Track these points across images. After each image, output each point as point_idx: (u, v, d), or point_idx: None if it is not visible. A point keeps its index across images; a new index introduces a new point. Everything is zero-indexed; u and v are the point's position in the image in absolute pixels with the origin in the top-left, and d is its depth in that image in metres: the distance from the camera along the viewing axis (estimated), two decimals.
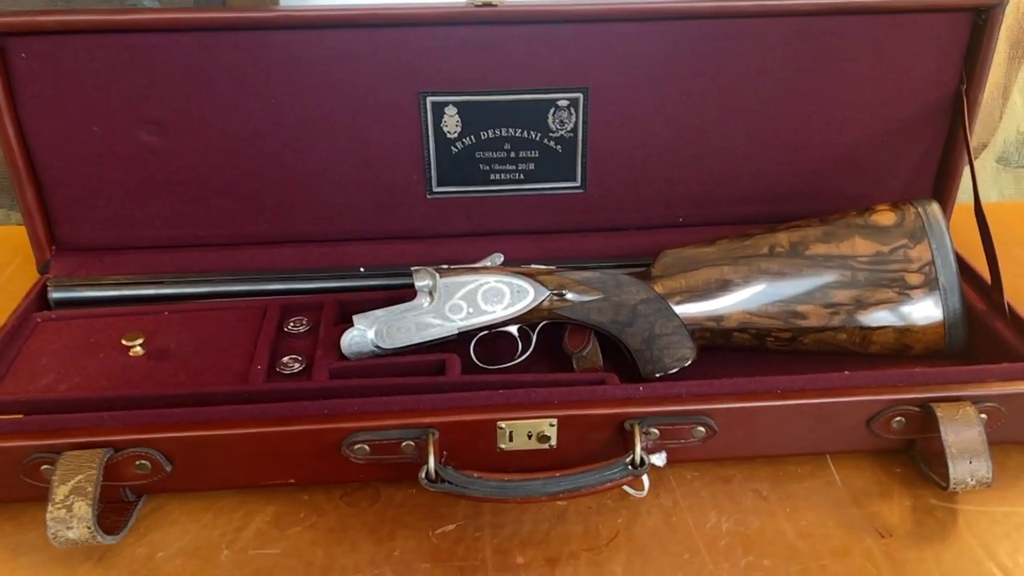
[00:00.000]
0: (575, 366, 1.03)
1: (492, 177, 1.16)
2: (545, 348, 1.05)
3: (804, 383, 0.94)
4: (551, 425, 0.91)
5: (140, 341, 0.99)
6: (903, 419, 0.94)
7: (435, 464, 0.87)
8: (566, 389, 0.93)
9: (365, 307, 1.09)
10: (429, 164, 1.14)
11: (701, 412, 0.92)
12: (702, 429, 0.92)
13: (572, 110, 1.12)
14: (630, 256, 1.19)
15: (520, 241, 1.19)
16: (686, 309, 1.03)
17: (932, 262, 1.05)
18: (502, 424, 0.91)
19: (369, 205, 1.16)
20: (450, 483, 0.87)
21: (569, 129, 1.13)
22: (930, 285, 1.04)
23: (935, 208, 1.07)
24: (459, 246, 1.19)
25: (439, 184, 1.16)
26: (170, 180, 1.12)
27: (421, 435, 0.89)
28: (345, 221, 1.17)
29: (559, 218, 1.20)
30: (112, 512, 0.90)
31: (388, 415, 0.90)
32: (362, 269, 1.14)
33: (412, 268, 1.01)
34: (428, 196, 1.16)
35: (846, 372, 0.95)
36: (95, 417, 0.89)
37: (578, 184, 1.17)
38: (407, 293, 1.09)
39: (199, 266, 1.14)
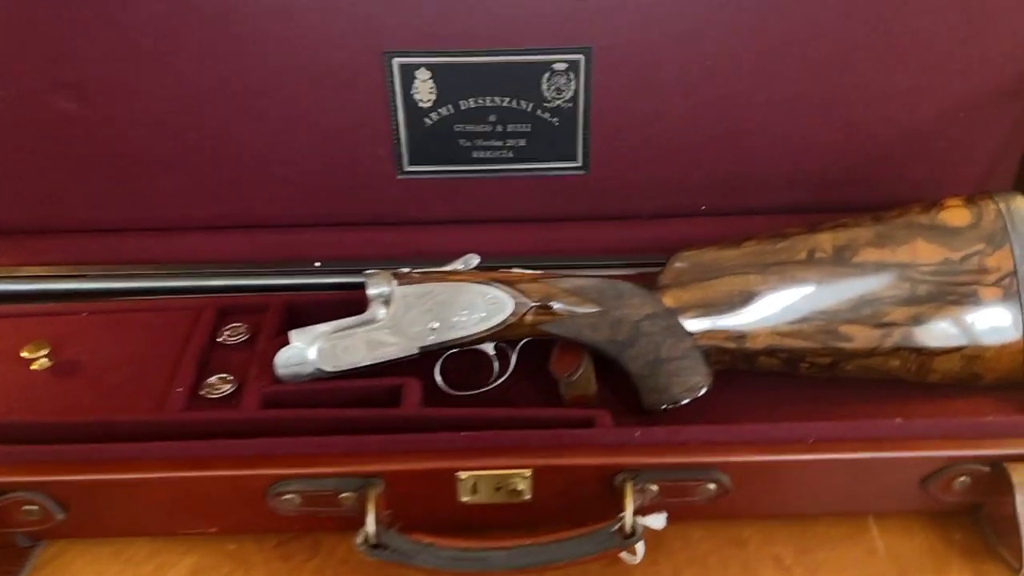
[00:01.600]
0: (562, 394, 0.85)
1: (475, 155, 0.97)
2: (532, 367, 0.87)
3: (844, 432, 0.75)
4: (524, 478, 0.74)
5: (45, 352, 0.84)
6: (968, 479, 0.75)
7: (375, 526, 0.71)
8: (545, 433, 0.75)
9: (316, 311, 0.92)
10: (399, 138, 0.95)
11: (712, 465, 0.74)
12: (712, 486, 0.74)
13: (571, 75, 0.92)
14: (642, 252, 1.00)
15: (509, 231, 1.01)
16: (701, 327, 0.84)
17: (1014, 273, 0.84)
18: (463, 475, 0.74)
19: (328, 186, 0.98)
20: (393, 551, 0.70)
21: (567, 98, 0.93)
22: (1009, 301, 0.84)
23: (1021, 203, 0.85)
24: (436, 236, 1.00)
25: (411, 162, 0.97)
26: (95, 154, 0.95)
27: (362, 485, 0.73)
28: (300, 204, 0.99)
29: (556, 205, 1.01)
30: (3, 559, 0.76)
31: (323, 460, 0.74)
32: (317, 264, 0.97)
33: (365, 272, 0.83)
34: (398, 176, 0.98)
35: (898, 420, 0.76)
36: None
37: (579, 164, 0.98)
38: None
39: (131, 255, 0.98)
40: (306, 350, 0.81)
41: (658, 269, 0.97)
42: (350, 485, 0.73)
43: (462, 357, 0.85)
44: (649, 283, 0.86)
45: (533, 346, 0.86)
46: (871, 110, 0.94)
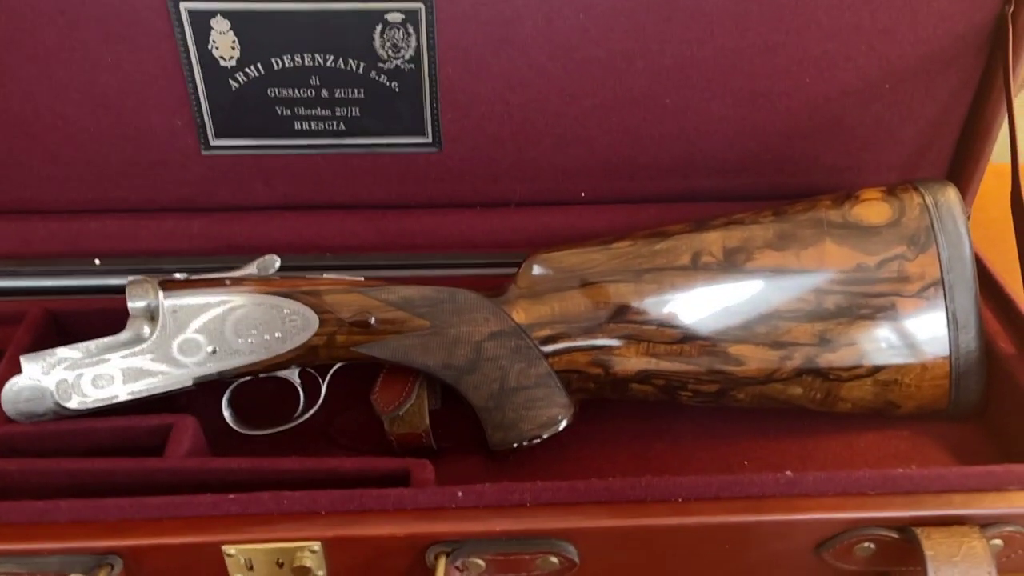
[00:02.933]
0: (388, 431, 0.68)
1: (297, 127, 0.78)
2: (358, 392, 0.70)
3: (721, 489, 0.59)
4: (312, 552, 0.57)
5: None
6: (872, 545, 0.60)
7: None
8: (337, 493, 0.58)
9: (92, 322, 0.74)
10: (199, 105, 0.76)
11: (555, 533, 0.58)
12: (555, 560, 0.58)
13: (409, 28, 0.73)
14: (507, 247, 0.83)
15: (348, 220, 0.82)
16: (559, 347, 0.67)
17: (940, 281, 0.69)
18: (231, 549, 0.57)
19: (117, 163, 0.79)
20: None
21: (407, 58, 0.75)
22: (933, 315, 0.69)
23: (951, 196, 0.70)
24: (256, 224, 0.82)
25: (218, 134, 0.78)
26: None
27: (94, 566, 0.55)
28: (85, 186, 0.80)
29: (402, 189, 0.82)
30: None
31: (43, 532, 0.56)
32: (97, 261, 0.78)
33: (128, 280, 0.65)
34: (204, 152, 0.79)
35: (788, 473, 0.60)
36: None
37: (428, 140, 0.80)
38: None
39: None
40: (42, 381, 0.62)
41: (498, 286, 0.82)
42: (78, 566, 0.56)
43: (264, 383, 0.68)
44: (497, 292, 0.69)
45: (358, 370, 0.69)
46: (779, 79, 0.77)
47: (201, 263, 0.80)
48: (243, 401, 0.68)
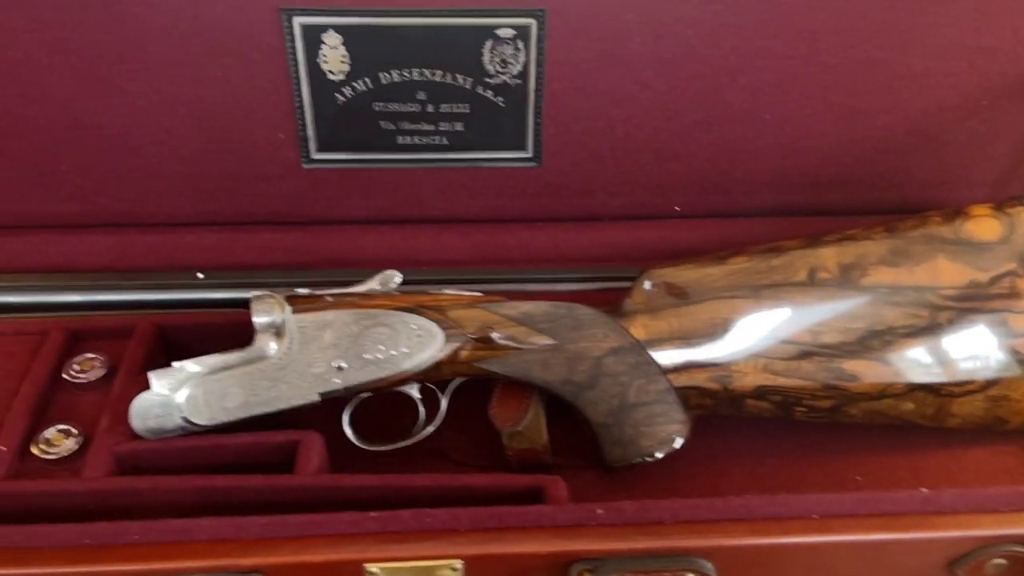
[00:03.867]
0: (506, 446, 0.68)
1: (400, 141, 0.78)
2: (468, 410, 0.70)
3: (856, 506, 0.60)
4: (453, 569, 0.57)
5: None
6: (1004, 562, 0.60)
7: None
8: (480, 511, 0.58)
9: (197, 336, 0.74)
10: (304, 119, 0.76)
11: (693, 551, 0.58)
12: None
13: (520, 44, 0.74)
14: (603, 260, 0.83)
15: (441, 236, 0.82)
16: (678, 363, 0.67)
17: None
18: (373, 568, 0.56)
19: (214, 177, 0.79)
20: None
21: (515, 73, 0.75)
22: None
23: None
24: (349, 240, 0.82)
25: (320, 148, 0.78)
26: None
27: None
28: (183, 199, 0.80)
29: (500, 203, 0.82)
30: None
31: (185, 550, 0.56)
32: (200, 275, 0.78)
33: (252, 295, 0.64)
34: (305, 165, 0.79)
35: (923, 489, 0.60)
36: None
37: (529, 155, 0.80)
38: None
39: None
40: (172, 397, 0.62)
41: (625, 285, 0.82)
42: None
43: (380, 399, 0.68)
44: (613, 308, 0.69)
45: (469, 385, 0.69)
46: (879, 96, 0.78)
47: (298, 277, 0.80)
48: (362, 417, 0.68)
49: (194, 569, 0.55)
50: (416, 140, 0.78)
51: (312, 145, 0.78)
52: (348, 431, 0.66)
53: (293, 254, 0.81)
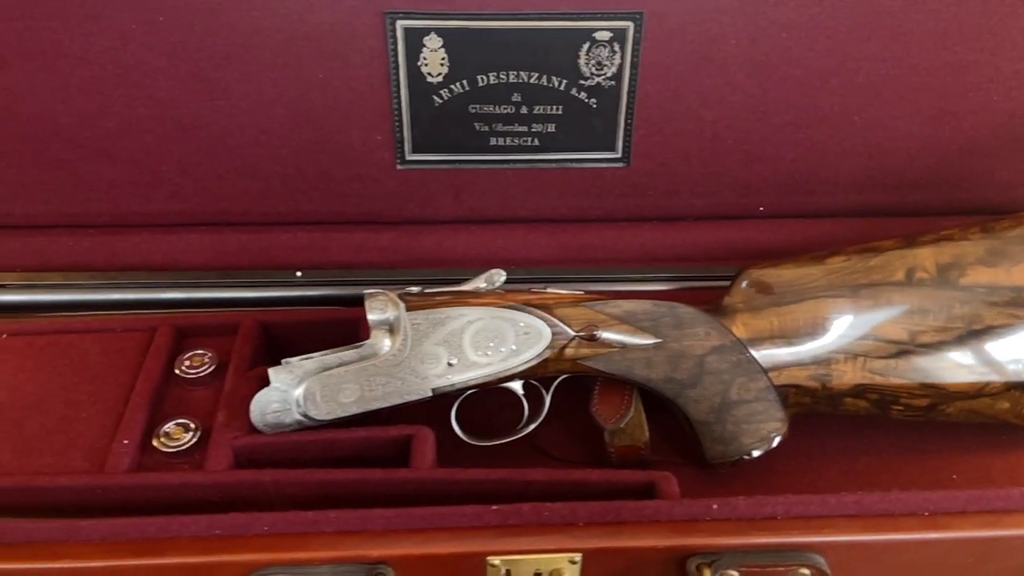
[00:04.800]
0: (608, 443, 0.69)
1: (493, 142, 0.79)
2: (563, 406, 0.71)
3: (968, 503, 0.60)
4: (573, 563, 0.58)
5: None
6: None
7: None
8: (597, 505, 0.59)
9: (298, 332, 0.76)
10: (400, 121, 0.77)
11: (807, 547, 0.59)
12: (807, 572, 0.59)
13: (616, 46, 0.75)
14: (688, 260, 0.84)
15: (530, 235, 0.84)
16: (778, 362, 0.68)
17: None
18: (495, 560, 0.58)
19: (312, 178, 0.80)
20: None
21: (610, 75, 0.76)
22: None
23: None
24: (441, 240, 0.83)
25: (415, 150, 0.79)
26: (16, 134, 0.76)
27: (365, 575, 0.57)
28: (279, 199, 0.81)
29: (588, 203, 0.84)
30: None
31: (314, 542, 0.57)
32: (299, 274, 0.79)
33: (365, 293, 0.66)
34: (399, 166, 0.80)
35: None
36: None
37: (618, 155, 0.81)
38: (362, 313, 0.75)
39: (62, 259, 0.79)
40: (290, 392, 0.63)
41: (709, 285, 0.83)
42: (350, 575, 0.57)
43: (482, 395, 0.69)
44: (713, 307, 0.70)
45: (563, 382, 0.70)
46: (968, 97, 0.79)
47: (392, 276, 0.82)
48: (463, 412, 0.69)
49: (322, 560, 0.57)
50: (508, 141, 0.79)
51: (407, 146, 0.79)
52: (455, 427, 0.68)
53: (386, 254, 0.83)
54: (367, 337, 0.71)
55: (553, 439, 0.73)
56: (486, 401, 0.69)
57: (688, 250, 0.85)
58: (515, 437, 0.69)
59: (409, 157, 0.80)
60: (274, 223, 0.82)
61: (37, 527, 0.57)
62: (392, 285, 0.73)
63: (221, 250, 0.81)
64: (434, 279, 0.80)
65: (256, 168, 0.79)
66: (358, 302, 0.78)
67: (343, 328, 0.75)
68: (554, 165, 0.81)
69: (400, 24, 0.72)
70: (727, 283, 0.80)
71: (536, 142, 0.80)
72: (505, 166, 0.81)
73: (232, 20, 0.71)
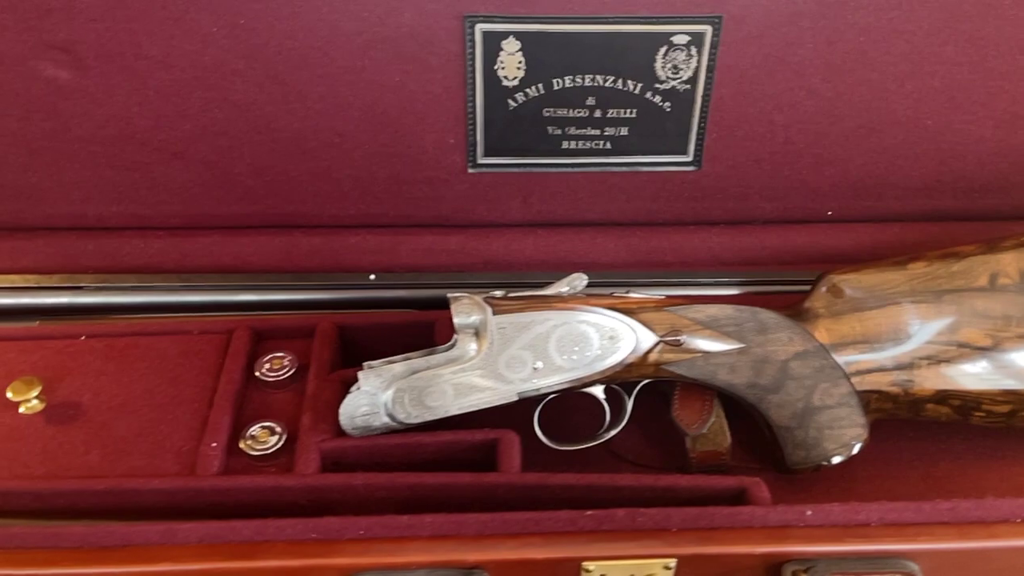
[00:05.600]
0: (689, 449, 0.69)
1: (565, 146, 0.79)
2: (637, 411, 0.71)
3: None
4: (667, 568, 0.58)
5: (36, 393, 0.65)
6: None
7: None
8: (691, 511, 0.59)
9: (373, 335, 0.75)
10: (475, 124, 0.77)
11: (900, 554, 0.59)
12: None
13: (693, 50, 0.74)
14: (755, 264, 0.84)
15: (600, 238, 0.84)
16: (860, 367, 0.68)
17: None
18: (590, 565, 0.58)
19: (383, 179, 0.80)
20: None
21: (686, 78, 0.76)
22: None
23: None
24: (510, 241, 0.83)
25: (487, 153, 0.79)
26: (93, 135, 0.76)
27: None
28: (349, 202, 0.81)
29: (657, 206, 0.83)
30: None
31: (410, 546, 0.57)
32: (372, 276, 0.79)
33: (450, 296, 0.66)
34: (470, 170, 0.80)
35: None
36: None
37: (689, 159, 0.81)
38: (438, 316, 0.75)
39: (135, 261, 0.79)
40: (379, 395, 0.63)
41: (777, 287, 0.83)
42: None
43: (556, 400, 0.69)
44: (794, 312, 0.70)
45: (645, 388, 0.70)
46: None
47: (462, 279, 0.82)
48: (545, 417, 0.69)
49: (419, 564, 0.57)
50: (580, 145, 0.79)
51: (479, 150, 0.79)
52: (538, 431, 0.67)
53: (455, 256, 0.82)
54: (442, 340, 0.72)
55: (627, 444, 0.73)
56: (561, 405, 0.69)
57: (756, 254, 0.84)
58: (598, 442, 0.69)
59: (481, 160, 0.80)
60: (344, 226, 0.82)
61: (134, 530, 0.57)
62: (463, 288, 0.74)
63: (291, 253, 0.81)
64: (504, 283, 0.80)
65: (328, 171, 0.79)
66: (429, 305, 0.79)
67: (417, 331, 0.75)
68: (625, 169, 0.81)
69: (479, 27, 0.72)
70: (795, 288, 0.81)
71: (608, 145, 0.79)
72: (576, 169, 0.81)
73: (311, 23, 0.71)
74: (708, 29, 0.73)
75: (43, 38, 0.71)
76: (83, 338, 0.73)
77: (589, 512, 0.59)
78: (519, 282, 0.79)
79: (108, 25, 0.70)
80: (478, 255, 0.83)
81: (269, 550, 0.57)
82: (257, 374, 0.71)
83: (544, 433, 0.69)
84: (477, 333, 0.65)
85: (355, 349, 0.75)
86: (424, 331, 0.75)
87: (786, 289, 0.81)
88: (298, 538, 0.57)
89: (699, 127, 0.79)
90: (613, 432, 0.69)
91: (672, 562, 0.58)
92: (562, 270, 0.82)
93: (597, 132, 0.79)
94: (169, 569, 0.56)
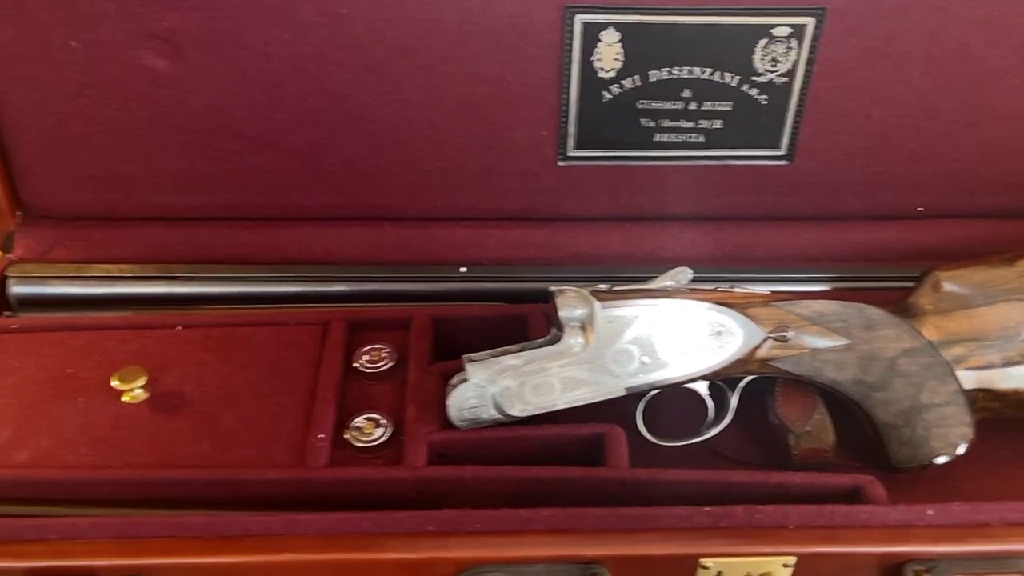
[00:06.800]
0: (793, 446, 0.68)
1: (657, 138, 0.79)
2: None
3: None
4: (785, 566, 0.57)
5: (142, 382, 0.65)
6: None
7: None
8: (809, 509, 0.59)
9: (466, 328, 0.75)
10: (567, 116, 0.77)
11: (1021, 554, 0.58)
12: None
13: (794, 42, 0.74)
14: (845, 260, 0.83)
15: (687, 232, 0.83)
16: (968, 365, 0.67)
17: None
18: (707, 562, 0.57)
19: (473, 172, 0.80)
20: None
21: (784, 71, 0.75)
22: None
23: None
24: (598, 235, 0.83)
25: (579, 146, 0.79)
26: (187, 125, 0.76)
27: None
28: (438, 194, 0.81)
29: (746, 200, 0.83)
30: None
31: (528, 539, 0.57)
32: (463, 269, 0.79)
33: (553, 289, 0.65)
34: (559, 162, 0.79)
35: None
36: (67, 525, 0.56)
37: (781, 152, 0.80)
38: (530, 309, 0.75)
39: (224, 250, 0.79)
40: (487, 388, 0.63)
41: (866, 283, 0.82)
42: (563, 575, 0.56)
43: (659, 396, 0.68)
44: (899, 308, 0.69)
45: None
46: None
47: (551, 272, 0.81)
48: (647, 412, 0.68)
49: (537, 559, 0.56)
50: (673, 138, 0.79)
51: (571, 143, 0.78)
52: (642, 427, 0.67)
53: (542, 250, 0.82)
54: (536, 334, 0.71)
55: (726, 440, 0.72)
56: (654, 400, 0.68)
57: (845, 250, 0.83)
58: (701, 439, 0.68)
59: (571, 153, 0.79)
60: (432, 218, 0.82)
61: (255, 521, 0.57)
62: (554, 282, 0.73)
63: (379, 245, 0.81)
64: (591, 276, 0.79)
65: (419, 163, 0.79)
66: (518, 298, 0.79)
67: (508, 324, 0.75)
68: (716, 162, 0.80)
69: (579, 18, 0.72)
70: (885, 284, 0.80)
71: (701, 138, 0.79)
72: (666, 163, 0.80)
73: (413, 12, 0.71)
74: (811, 21, 0.73)
75: (145, 27, 0.71)
76: (179, 328, 0.72)
77: (707, 508, 0.58)
78: (607, 276, 0.78)
79: (210, 14, 0.70)
80: (565, 248, 0.82)
81: (387, 542, 0.56)
82: (355, 365, 0.70)
83: (648, 429, 0.68)
84: (583, 326, 0.64)
85: (447, 341, 0.75)
86: (516, 324, 0.74)
87: (875, 286, 0.80)
88: (416, 531, 0.57)
89: (794, 121, 0.78)
90: (717, 429, 0.68)
91: (791, 560, 0.57)
92: (648, 264, 0.82)
93: (691, 125, 0.78)
94: (290, 559, 0.56)
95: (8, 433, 0.63)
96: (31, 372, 0.68)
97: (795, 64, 0.75)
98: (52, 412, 0.65)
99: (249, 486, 0.60)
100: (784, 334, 0.66)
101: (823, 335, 0.66)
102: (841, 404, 0.69)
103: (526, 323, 0.74)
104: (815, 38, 0.73)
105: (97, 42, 0.72)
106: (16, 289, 0.75)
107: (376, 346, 0.71)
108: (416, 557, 0.56)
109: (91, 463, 0.62)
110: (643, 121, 0.78)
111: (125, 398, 0.66)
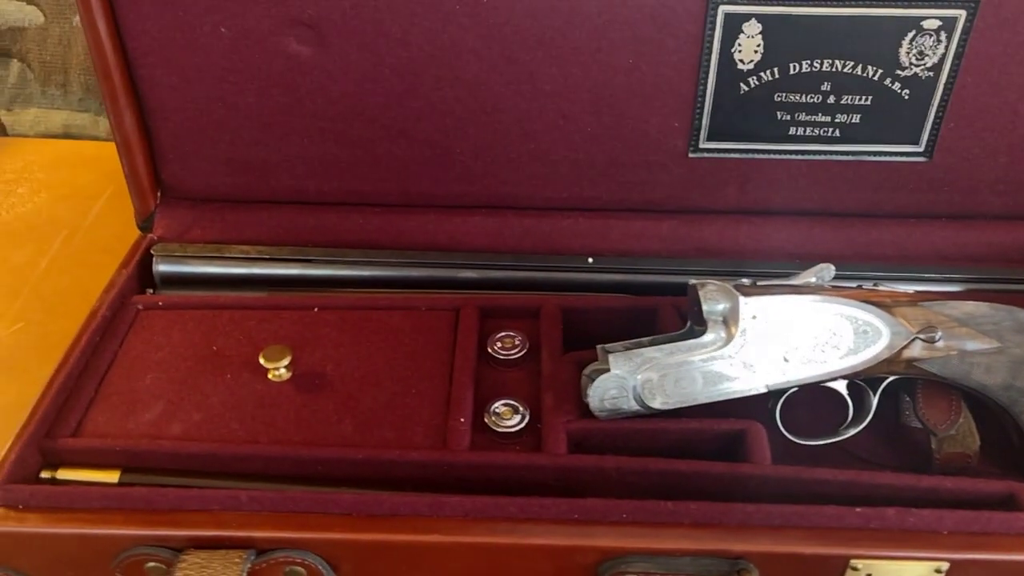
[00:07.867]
0: (935, 450, 0.67)
1: (792, 132, 0.77)
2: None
3: None
4: (937, 572, 0.56)
5: (287, 362, 0.67)
6: None
7: None
8: (962, 514, 0.57)
9: (594, 318, 0.75)
10: (702, 108, 0.76)
11: None
12: None
13: (943, 35, 0.71)
14: (981, 260, 0.81)
15: (816, 227, 0.81)
16: None
17: None
18: (858, 564, 0.56)
19: (600, 163, 0.79)
20: None
21: (930, 65, 0.73)
22: None
23: None
24: (723, 228, 0.82)
25: (710, 137, 0.78)
26: (324, 111, 0.77)
27: (728, 570, 0.56)
28: (564, 184, 0.81)
29: (879, 197, 0.81)
30: None
31: (673, 533, 0.57)
32: (590, 260, 0.79)
33: (693, 282, 0.65)
34: (690, 154, 0.79)
35: None
36: (229, 496, 0.58)
37: (920, 149, 0.78)
38: (659, 302, 0.75)
39: (353, 235, 0.81)
40: (629, 379, 0.63)
41: (1003, 285, 0.79)
42: (712, 568, 0.56)
43: (792, 394, 0.67)
44: None
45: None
46: None
47: (670, 265, 0.80)
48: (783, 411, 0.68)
49: (683, 551, 0.56)
50: (808, 132, 0.77)
51: (703, 134, 0.78)
52: (780, 425, 0.66)
53: (665, 242, 0.81)
54: (667, 326, 0.71)
55: (855, 440, 0.71)
56: (788, 398, 0.67)
57: (981, 250, 0.81)
58: (840, 439, 0.67)
59: (703, 145, 0.78)
60: (557, 208, 0.82)
61: (402, 500, 0.58)
62: (683, 275, 0.74)
63: (503, 233, 0.82)
64: (716, 271, 0.79)
65: (547, 153, 0.79)
66: (643, 290, 0.79)
67: (636, 316, 0.75)
68: (850, 157, 0.78)
69: (722, 9, 0.71)
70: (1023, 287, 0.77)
71: (837, 133, 0.77)
72: (798, 157, 0.79)
73: (554, 2, 0.71)
74: (962, 14, 0.70)
75: (291, 14, 0.72)
76: (315, 310, 0.74)
77: (859, 509, 0.57)
78: (734, 271, 0.78)
79: (355, 2, 0.72)
80: (690, 241, 0.82)
81: (533, 528, 0.57)
82: (489, 351, 0.71)
83: (786, 427, 0.67)
84: (725, 321, 0.64)
85: (575, 331, 0.75)
86: (644, 316, 0.74)
87: (1013, 288, 0.78)
88: (561, 518, 0.58)
89: (936, 116, 0.76)
90: (856, 429, 0.67)
91: (944, 565, 0.56)
92: (775, 260, 0.81)
93: (827, 119, 0.76)
94: (437, 540, 0.57)
95: (162, 406, 0.66)
96: (178, 348, 0.71)
97: (943, 57, 0.73)
98: (201, 387, 0.67)
99: (392, 467, 0.61)
100: (933, 335, 0.64)
101: (972, 337, 0.64)
102: (983, 408, 0.68)
103: (655, 315, 0.74)
104: (965, 31, 0.71)
105: (244, 28, 0.73)
106: (161, 267, 0.78)
107: (508, 333, 0.72)
108: (561, 544, 0.57)
109: (242, 438, 0.63)
110: (779, 114, 0.76)
111: (271, 376, 0.68)
